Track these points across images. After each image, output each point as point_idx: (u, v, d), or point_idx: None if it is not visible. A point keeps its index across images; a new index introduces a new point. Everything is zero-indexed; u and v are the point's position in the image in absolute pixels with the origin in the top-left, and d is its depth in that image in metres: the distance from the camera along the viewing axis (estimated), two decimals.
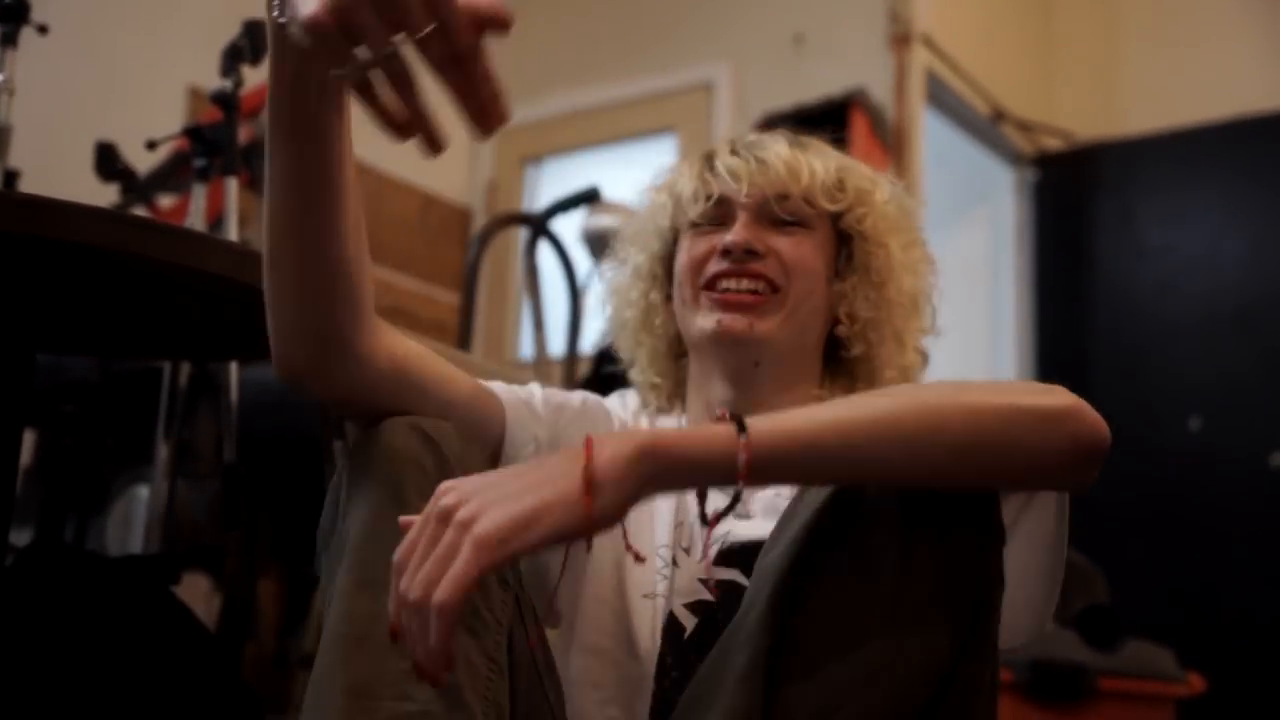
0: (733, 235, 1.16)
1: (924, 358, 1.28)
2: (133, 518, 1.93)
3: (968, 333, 4.69)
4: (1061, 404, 0.93)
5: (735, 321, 1.15)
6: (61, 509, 2.02)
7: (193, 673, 1.16)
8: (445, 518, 0.78)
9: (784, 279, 1.17)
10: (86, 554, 1.96)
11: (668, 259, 1.25)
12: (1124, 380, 4.35)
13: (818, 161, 1.19)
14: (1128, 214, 4.46)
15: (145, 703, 1.45)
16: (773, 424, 0.85)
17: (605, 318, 1.33)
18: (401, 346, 1.05)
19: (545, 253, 2.97)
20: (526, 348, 4.32)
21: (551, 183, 4.70)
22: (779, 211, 1.18)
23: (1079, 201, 4.61)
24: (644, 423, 1.27)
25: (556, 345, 2.83)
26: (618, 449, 0.80)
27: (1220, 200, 4.31)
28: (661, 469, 0.82)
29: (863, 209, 1.20)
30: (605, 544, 1.17)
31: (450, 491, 0.79)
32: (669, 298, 1.25)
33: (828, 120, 3.73)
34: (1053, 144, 4.70)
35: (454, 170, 4.79)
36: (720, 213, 1.20)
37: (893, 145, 3.88)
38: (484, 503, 0.77)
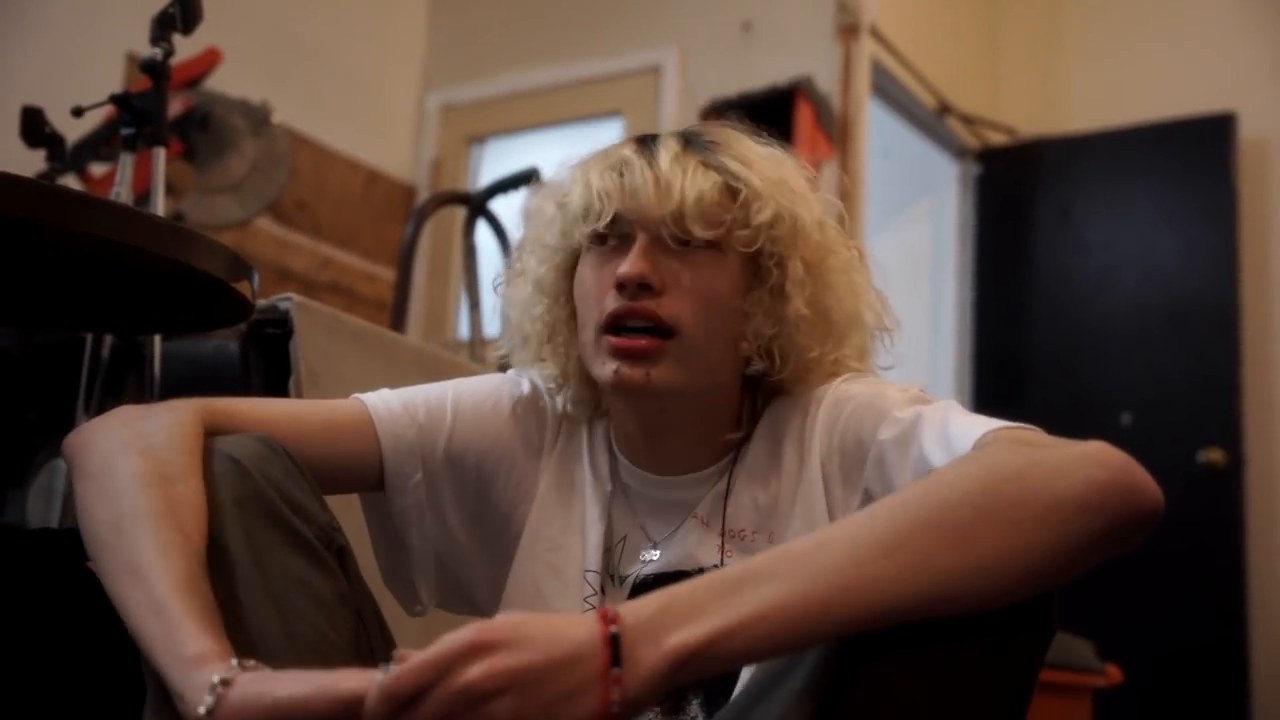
0: (625, 267, 1.05)
1: (866, 358, 1.18)
2: (53, 491, 1.90)
3: (909, 325, 4.72)
4: (1109, 477, 0.82)
5: (632, 371, 1.06)
6: None
7: (105, 648, 1.15)
8: (472, 703, 0.71)
9: (680, 320, 1.06)
10: (4, 526, 1.94)
11: (570, 272, 1.14)
12: (1059, 375, 4.42)
13: (698, 176, 1.06)
14: (1066, 210, 4.52)
15: (57, 677, 1.44)
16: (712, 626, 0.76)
17: (502, 331, 1.23)
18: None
19: (485, 233, 2.96)
20: (465, 328, 4.31)
21: (496, 163, 4.68)
22: (677, 234, 1.06)
23: (1020, 196, 4.67)
24: (580, 427, 1.21)
25: (493, 326, 2.83)
26: (650, 673, 0.74)
27: (1155, 199, 4.39)
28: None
29: (759, 223, 1.07)
30: (524, 568, 1.16)
31: (477, 665, 0.71)
32: (574, 314, 1.14)
33: (773, 109, 3.76)
34: (996, 139, 4.75)
35: (399, 147, 4.76)
36: (620, 230, 1.08)
37: (837, 136, 3.90)
38: (520, 705, 0.71)
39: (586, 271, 1.11)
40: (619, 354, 1.06)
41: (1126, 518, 0.82)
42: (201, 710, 0.76)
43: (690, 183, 1.05)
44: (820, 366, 1.12)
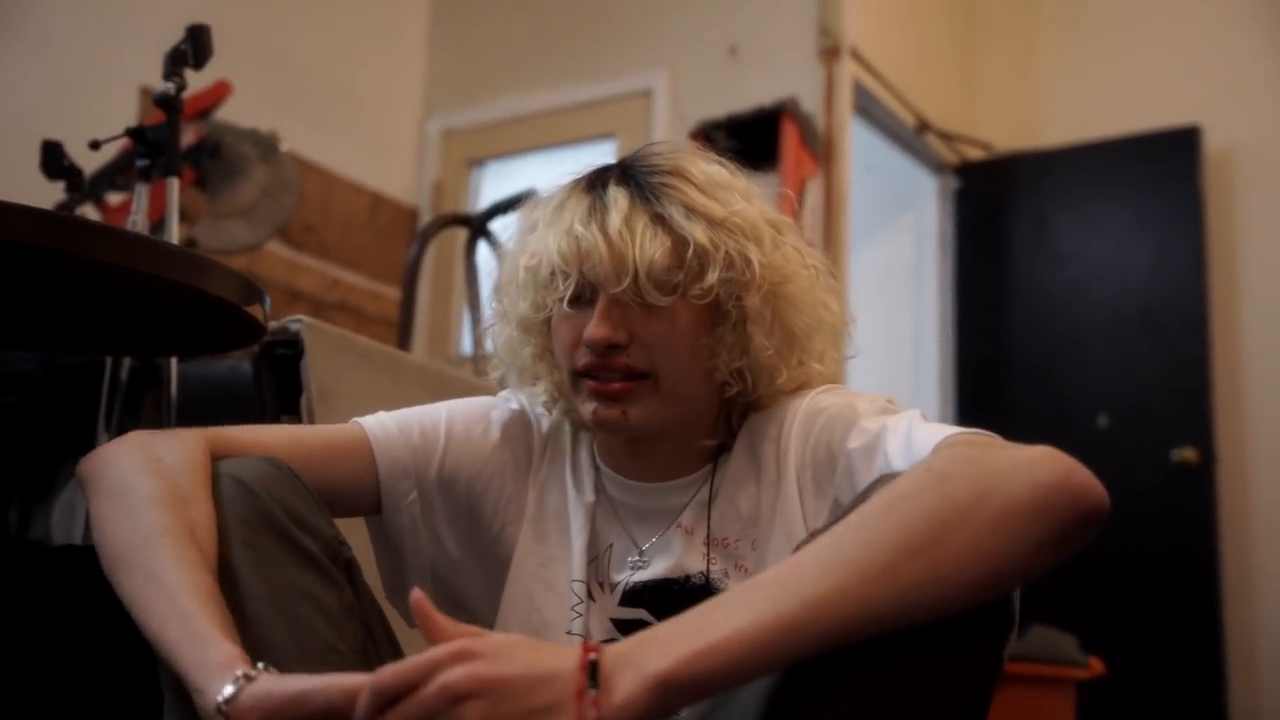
0: (590, 330, 1.07)
1: (828, 356, 1.18)
2: (76, 507, 1.91)
3: (893, 334, 4.75)
4: (1055, 481, 0.83)
5: (610, 411, 1.08)
6: (5, 498, 2.00)
7: (131, 662, 1.15)
8: (448, 702, 0.72)
9: (652, 364, 1.08)
10: (30, 543, 1.94)
11: (548, 318, 1.14)
12: (1038, 379, 4.43)
13: (647, 241, 1.06)
14: (1042, 221, 4.54)
15: (84, 692, 1.44)
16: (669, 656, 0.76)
17: (496, 363, 1.24)
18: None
19: (484, 252, 2.98)
20: (468, 343, 4.32)
21: (494, 184, 4.70)
22: (634, 298, 1.07)
23: (997, 209, 4.69)
24: (565, 441, 1.23)
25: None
26: (630, 695, 0.74)
27: (1127, 209, 4.41)
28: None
29: (709, 282, 1.07)
30: (517, 584, 1.17)
31: (459, 668, 0.73)
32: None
33: (760, 129, 3.78)
34: (973, 154, 4.77)
35: (402, 171, 4.77)
36: (583, 291, 1.09)
37: (822, 154, 3.92)
38: (493, 712, 0.72)
39: (559, 322, 1.12)
40: (597, 395, 1.09)
41: (1075, 519, 0.82)
42: (220, 699, 0.78)
43: (640, 251, 1.05)
44: (789, 378, 1.13)
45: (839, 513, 0.90)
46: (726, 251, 1.07)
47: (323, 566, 0.98)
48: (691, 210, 1.08)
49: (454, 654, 0.74)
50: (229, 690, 0.78)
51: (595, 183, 1.12)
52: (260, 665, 0.80)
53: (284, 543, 0.97)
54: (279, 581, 0.95)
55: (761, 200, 1.15)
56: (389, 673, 0.74)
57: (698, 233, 1.06)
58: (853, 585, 0.78)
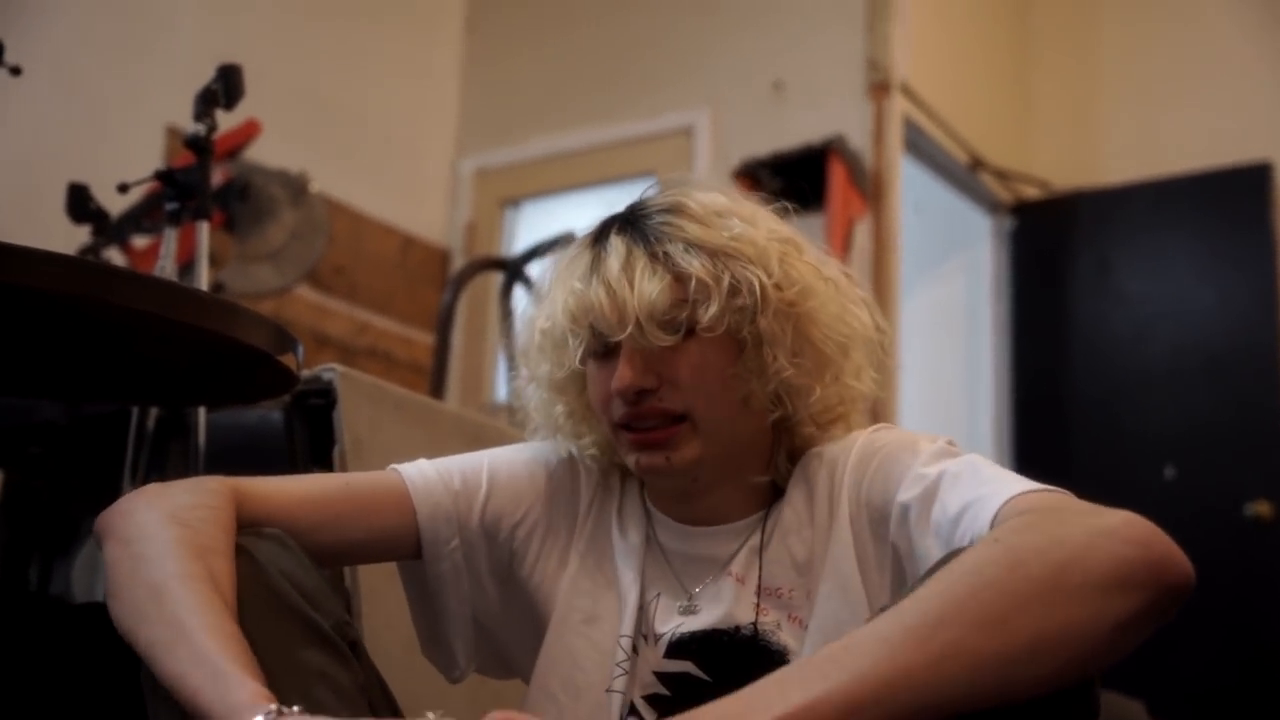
0: (616, 381, 1.08)
1: (866, 372, 1.17)
2: (98, 563, 1.91)
3: (946, 381, 4.71)
4: (1137, 554, 0.80)
5: (653, 459, 1.10)
6: (27, 552, 2.01)
7: None
8: None
9: (687, 406, 1.09)
10: (52, 600, 1.95)
11: (579, 369, 1.15)
12: (1099, 428, 4.38)
13: (645, 282, 1.07)
14: (1103, 263, 4.50)
15: None
16: None
17: (532, 427, 1.24)
18: (272, 516, 1.07)
19: (521, 297, 2.98)
20: (502, 390, 4.32)
21: (530, 225, 4.72)
22: (644, 343, 1.08)
23: (1055, 250, 4.66)
24: (614, 486, 1.22)
25: None
26: None
27: (1192, 250, 4.37)
28: None
29: (712, 314, 1.07)
30: (558, 640, 1.17)
31: None
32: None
33: (807, 167, 3.78)
34: (1030, 193, 4.75)
35: (433, 211, 4.80)
36: (601, 343, 1.11)
37: (871, 193, 3.91)
38: None
39: (591, 374, 1.13)
40: (638, 446, 1.10)
41: (1157, 595, 0.80)
42: None
43: (639, 296, 1.06)
44: (831, 400, 1.14)
45: (902, 590, 0.88)
46: (731, 279, 1.08)
47: (335, 646, 0.98)
48: (690, 244, 1.09)
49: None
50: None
51: (600, 235, 1.14)
52: (296, 709, 0.80)
53: (297, 621, 0.97)
54: (293, 660, 0.95)
55: (770, 219, 1.15)
56: None
57: (696, 266, 1.07)
58: (915, 662, 0.76)
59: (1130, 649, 0.80)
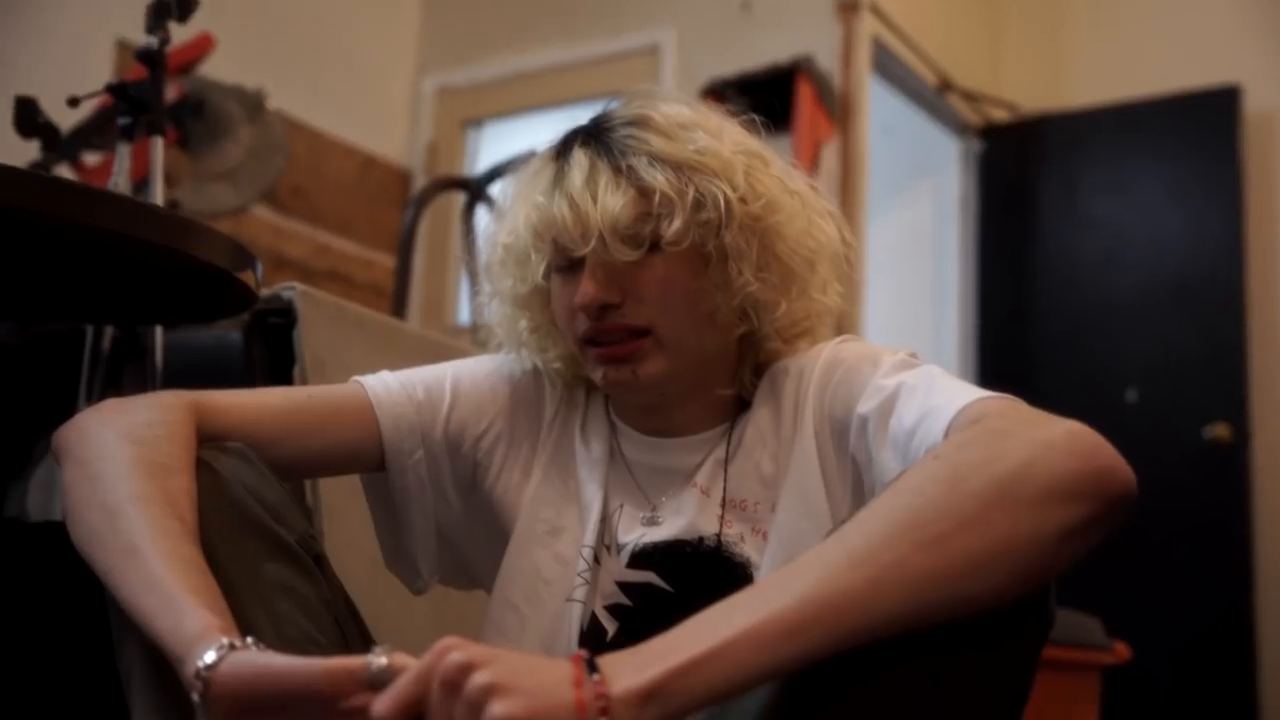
0: (580, 296, 1.08)
1: (832, 286, 1.18)
2: (54, 484, 1.91)
3: (912, 305, 4.74)
4: (1078, 466, 0.81)
5: (619, 373, 1.10)
6: None
7: (110, 644, 1.15)
8: (454, 686, 0.71)
9: (650, 321, 1.09)
10: (6, 520, 1.94)
11: (543, 284, 1.15)
12: (1064, 352, 4.42)
13: (609, 196, 1.06)
14: (1071, 186, 4.52)
15: (62, 670, 1.44)
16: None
17: (500, 339, 1.24)
18: (233, 430, 1.07)
19: (484, 217, 2.96)
20: (465, 312, 4.30)
21: (493, 146, 4.68)
22: (607, 257, 1.07)
23: (1024, 173, 4.66)
24: (579, 399, 1.23)
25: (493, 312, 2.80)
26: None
27: (1161, 174, 4.38)
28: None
29: (676, 228, 1.07)
30: (521, 551, 1.17)
31: (457, 649, 0.72)
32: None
33: (774, 88, 3.76)
34: (998, 115, 4.74)
35: (394, 131, 4.75)
36: (564, 257, 1.11)
37: (839, 114, 3.89)
38: (498, 679, 0.71)
39: (555, 289, 1.13)
40: (604, 360, 1.10)
41: (1100, 506, 0.80)
42: (201, 664, 0.77)
43: (602, 210, 1.06)
44: (797, 315, 1.15)
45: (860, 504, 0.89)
46: (696, 192, 1.07)
47: (299, 560, 0.99)
48: (654, 157, 1.08)
49: (446, 645, 0.73)
50: (211, 656, 0.77)
51: (564, 148, 1.14)
52: (249, 640, 0.80)
53: (261, 535, 0.97)
54: (258, 574, 0.95)
55: (736, 132, 1.15)
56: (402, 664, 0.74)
57: (660, 180, 1.07)
58: (856, 583, 0.76)
59: (1076, 560, 0.81)
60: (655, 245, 1.08)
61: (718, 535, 1.12)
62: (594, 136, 1.12)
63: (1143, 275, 4.33)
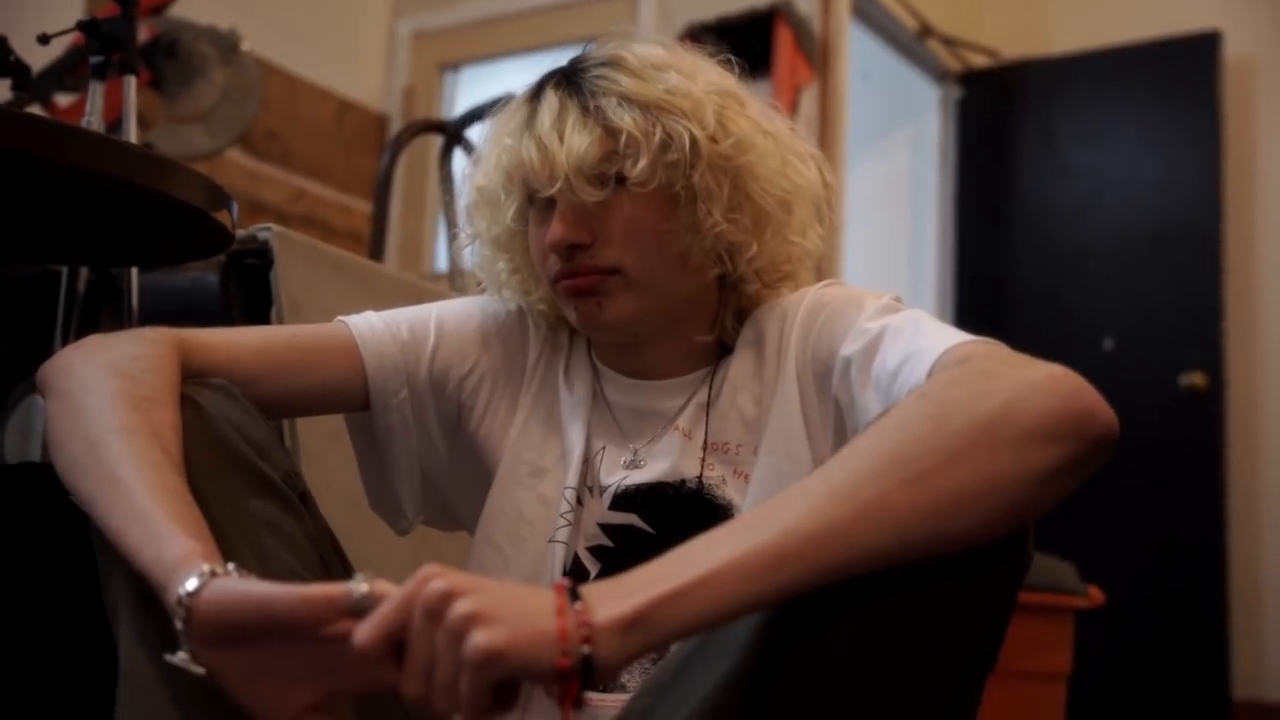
0: (549, 235, 1.09)
1: (812, 229, 1.18)
2: (31, 425, 1.90)
3: (890, 252, 4.75)
4: (1060, 406, 0.82)
5: (589, 309, 1.11)
6: None
7: (89, 581, 1.16)
8: (435, 615, 0.72)
9: (618, 261, 1.09)
10: None
11: (521, 222, 1.16)
12: (1041, 300, 4.44)
13: (575, 136, 1.07)
14: (1050, 133, 4.52)
15: (40, 611, 1.45)
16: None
17: (482, 283, 1.25)
18: (217, 367, 1.07)
19: (461, 162, 2.95)
20: (442, 259, 4.30)
21: (470, 91, 4.65)
22: (575, 198, 1.08)
23: (1002, 120, 4.66)
24: (563, 342, 1.24)
25: (472, 257, 2.80)
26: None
27: (1140, 121, 4.39)
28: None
29: (642, 167, 1.07)
30: (504, 491, 1.18)
31: (439, 577, 0.73)
32: None
33: (752, 32, 3.74)
34: (978, 61, 4.73)
35: (370, 75, 4.71)
36: (536, 198, 1.12)
37: (818, 59, 3.88)
38: (480, 608, 0.71)
39: (531, 230, 1.14)
40: (574, 294, 1.11)
41: (1081, 447, 0.82)
42: (182, 591, 0.78)
43: (568, 150, 1.06)
44: (776, 257, 1.15)
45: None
46: (663, 133, 1.07)
47: (284, 496, 0.99)
48: (623, 98, 1.08)
49: (427, 573, 0.74)
50: (193, 583, 0.78)
51: (538, 90, 1.14)
52: (230, 567, 0.80)
53: (245, 471, 0.97)
54: (243, 511, 0.95)
55: (711, 72, 1.14)
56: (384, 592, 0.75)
57: (627, 120, 1.07)
58: (840, 517, 0.77)
59: (1056, 500, 0.82)
60: (622, 185, 1.08)
61: (699, 478, 1.13)
62: (567, 78, 1.12)
63: (1120, 223, 4.35)
